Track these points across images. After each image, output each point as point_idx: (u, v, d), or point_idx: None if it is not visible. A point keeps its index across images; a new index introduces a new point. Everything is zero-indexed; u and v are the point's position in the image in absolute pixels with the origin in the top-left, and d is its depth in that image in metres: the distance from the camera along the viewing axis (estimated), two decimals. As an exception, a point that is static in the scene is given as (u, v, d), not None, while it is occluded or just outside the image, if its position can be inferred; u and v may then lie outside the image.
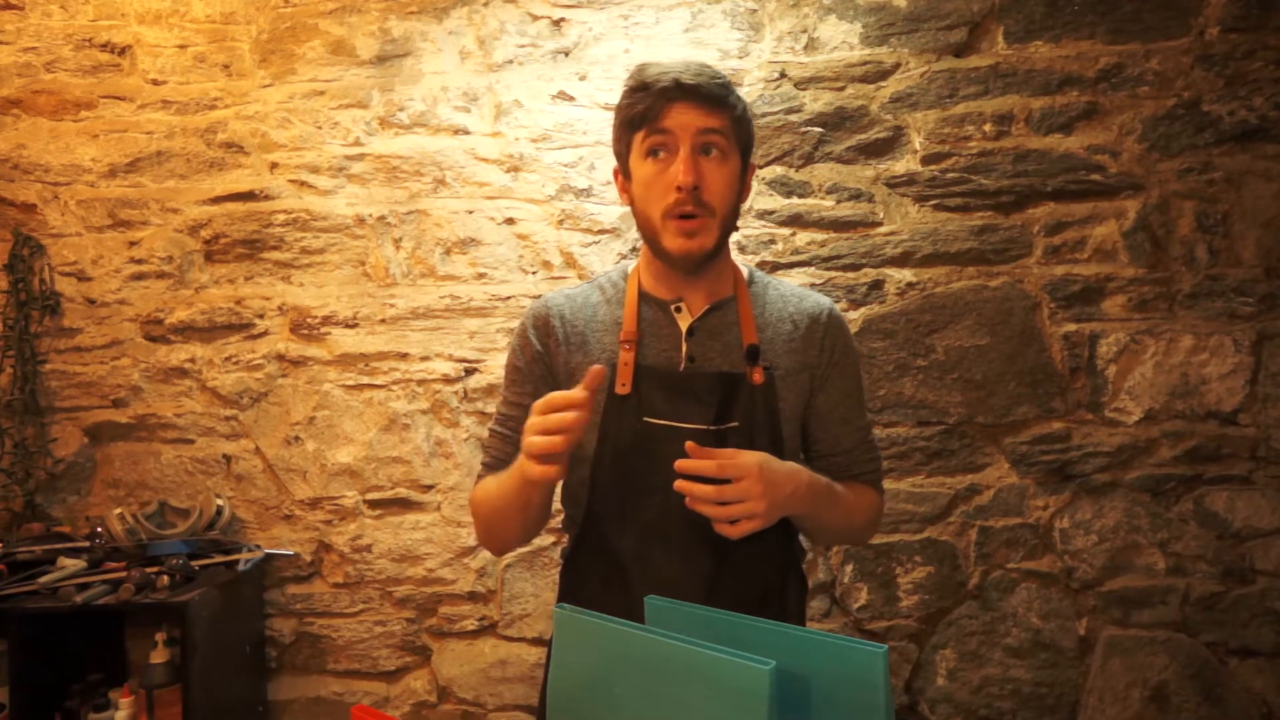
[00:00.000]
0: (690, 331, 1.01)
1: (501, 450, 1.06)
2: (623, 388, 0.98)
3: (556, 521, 1.75)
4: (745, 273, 1.08)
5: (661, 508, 0.96)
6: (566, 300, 1.07)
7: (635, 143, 0.97)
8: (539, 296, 1.13)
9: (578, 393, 0.84)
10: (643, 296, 1.04)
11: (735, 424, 0.97)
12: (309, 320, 1.87)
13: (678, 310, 1.02)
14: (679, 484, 0.86)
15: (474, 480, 1.82)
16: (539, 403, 0.85)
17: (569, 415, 0.83)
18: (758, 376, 0.98)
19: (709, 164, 0.95)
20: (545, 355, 1.04)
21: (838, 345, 1.06)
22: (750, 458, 0.87)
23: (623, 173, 1.03)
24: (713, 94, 0.93)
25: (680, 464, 0.86)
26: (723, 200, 0.96)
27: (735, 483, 0.85)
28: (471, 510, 1.08)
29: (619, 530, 0.98)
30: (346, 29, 1.87)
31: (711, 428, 0.96)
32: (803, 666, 0.66)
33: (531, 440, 0.84)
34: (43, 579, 1.58)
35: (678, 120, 0.93)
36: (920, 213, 1.81)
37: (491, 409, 1.84)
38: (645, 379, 0.98)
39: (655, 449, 0.97)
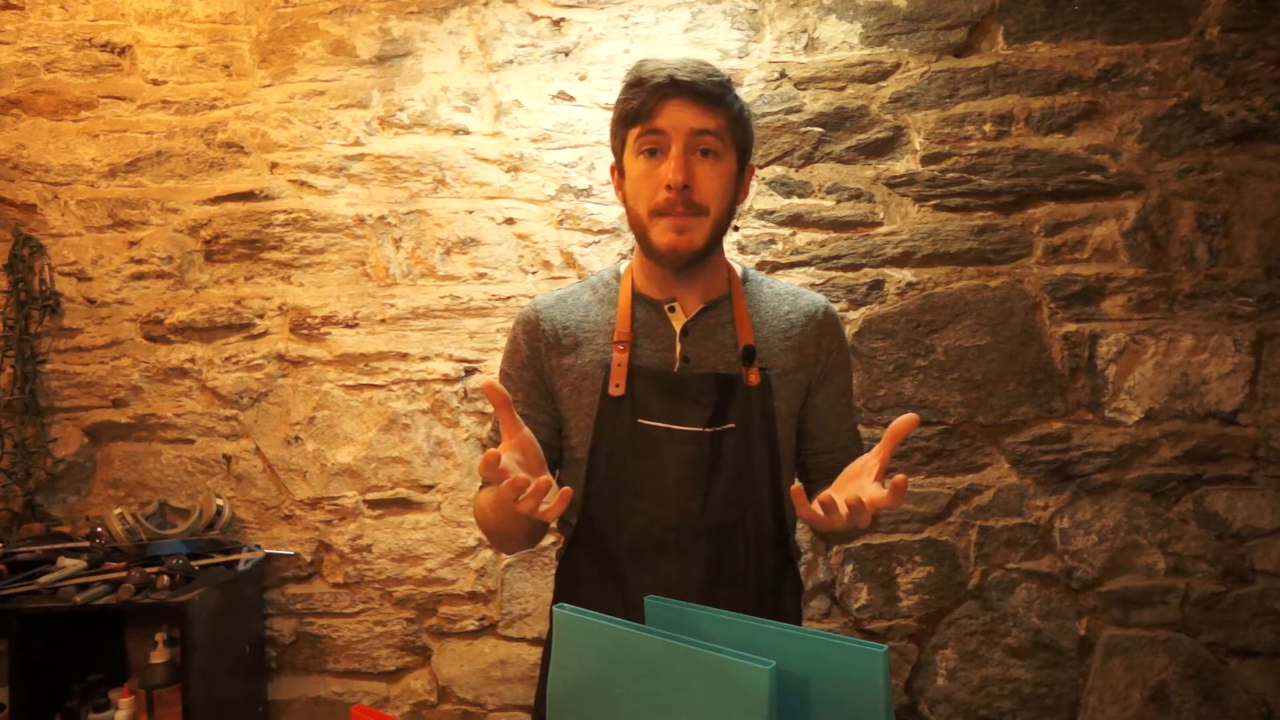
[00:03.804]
0: (684, 331, 1.00)
1: None
2: (617, 389, 0.97)
3: (557, 520, 1.75)
4: (739, 271, 1.07)
5: (657, 510, 0.96)
6: (557, 302, 1.06)
7: (629, 139, 0.96)
8: (535, 297, 1.13)
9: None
10: (636, 296, 1.03)
11: (731, 425, 0.97)
12: (309, 320, 1.87)
13: (671, 310, 1.01)
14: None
15: (474, 480, 1.84)
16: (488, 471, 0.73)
17: (513, 481, 0.71)
18: (753, 377, 0.97)
19: (702, 164, 0.93)
20: (535, 360, 1.04)
21: (834, 344, 1.05)
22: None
23: (618, 169, 1.02)
24: (708, 92, 0.92)
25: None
26: (715, 200, 0.95)
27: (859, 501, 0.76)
28: (476, 520, 1.07)
29: (613, 532, 0.98)
30: (346, 29, 1.87)
31: (707, 430, 0.96)
32: (803, 666, 0.66)
33: (522, 503, 0.74)
34: (43, 579, 1.58)
35: (671, 119, 0.92)
36: (920, 213, 1.81)
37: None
38: (639, 380, 0.97)
39: (650, 451, 0.96)
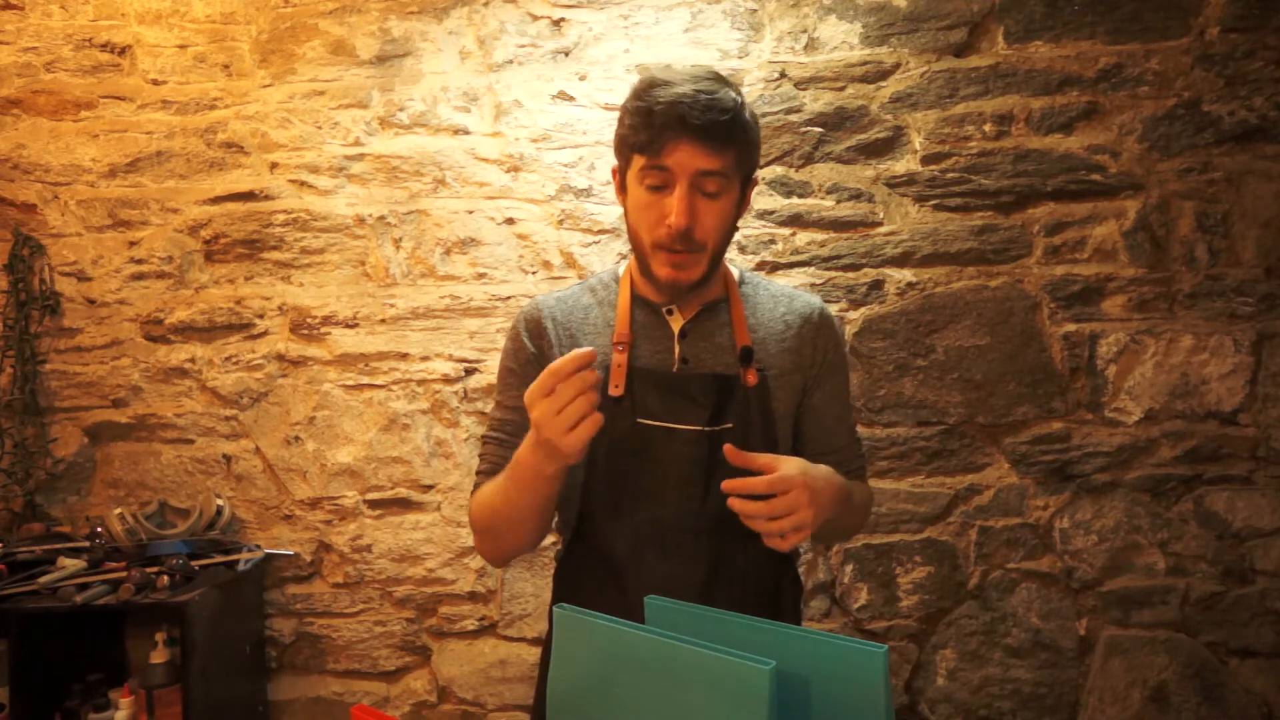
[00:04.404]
0: (683, 333, 1.01)
1: (499, 456, 1.03)
2: (616, 389, 0.97)
3: (555, 521, 1.75)
4: (736, 274, 1.08)
5: (656, 509, 0.96)
6: (558, 302, 1.06)
7: (633, 163, 0.95)
8: (532, 297, 1.13)
9: (575, 356, 0.79)
10: (635, 299, 1.03)
11: (729, 425, 0.97)
12: (309, 320, 1.87)
13: (669, 312, 1.02)
14: (733, 503, 0.83)
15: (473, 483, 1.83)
16: (541, 384, 0.79)
17: (588, 376, 0.79)
18: (751, 378, 0.98)
19: (704, 202, 0.93)
20: (539, 358, 1.03)
21: (830, 344, 1.06)
22: (791, 467, 0.85)
23: (620, 182, 1.02)
24: (718, 134, 0.90)
25: (729, 484, 0.83)
26: (715, 236, 0.95)
27: (783, 495, 0.82)
28: (472, 522, 1.03)
29: (613, 533, 0.98)
30: (346, 29, 1.87)
31: (706, 429, 0.96)
32: (803, 666, 0.66)
33: (560, 415, 0.79)
34: (43, 579, 1.58)
35: (678, 159, 0.90)
36: (920, 213, 1.81)
37: (490, 409, 1.84)
38: (639, 381, 0.98)
39: (649, 451, 0.97)
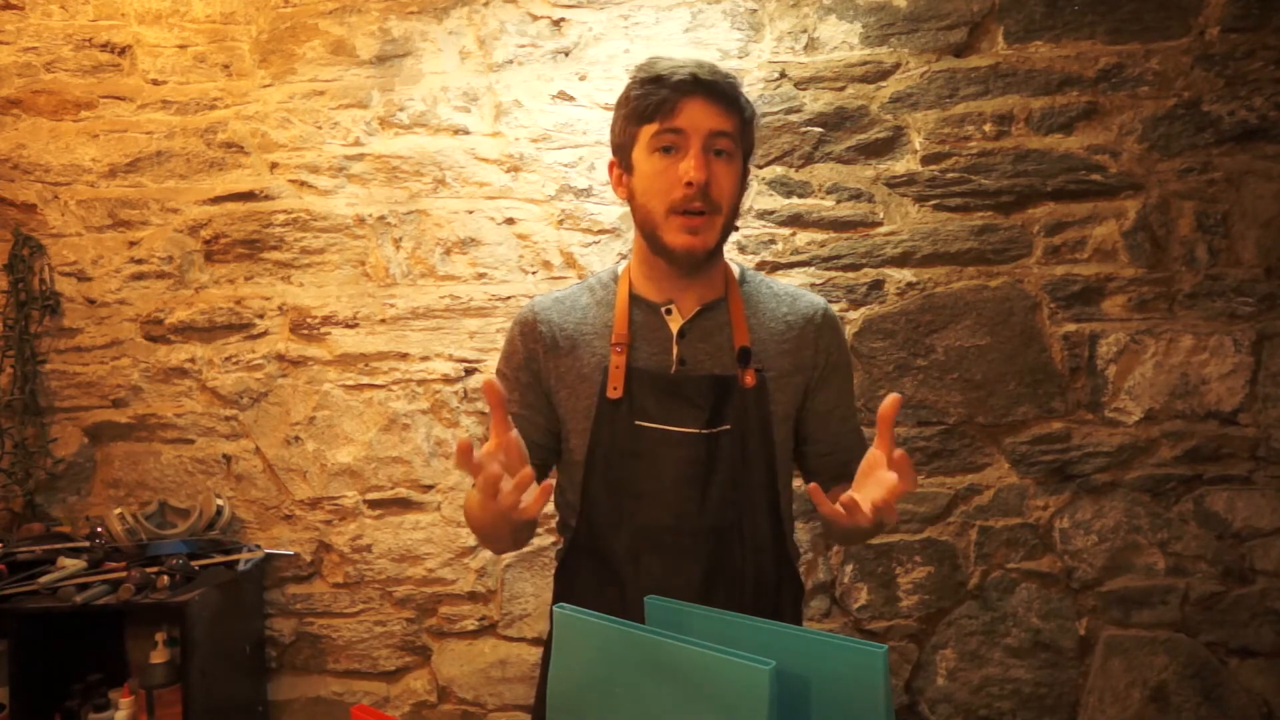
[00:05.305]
0: (681, 334, 1.01)
1: None
2: (614, 391, 0.97)
3: (556, 522, 1.75)
4: (737, 272, 1.07)
5: (654, 512, 0.96)
6: (555, 304, 1.06)
7: (642, 135, 0.96)
8: (531, 298, 1.12)
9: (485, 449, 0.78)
10: (633, 299, 1.03)
11: (727, 427, 0.97)
12: (309, 320, 1.87)
13: (668, 312, 1.02)
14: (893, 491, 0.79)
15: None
16: (471, 468, 0.76)
17: (490, 473, 0.76)
18: (749, 379, 0.98)
19: (717, 163, 0.95)
20: (532, 361, 1.04)
21: (833, 345, 1.06)
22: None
23: (623, 166, 1.02)
24: (727, 94, 0.94)
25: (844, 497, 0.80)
26: (728, 199, 0.96)
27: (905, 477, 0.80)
28: (465, 518, 1.07)
29: (612, 534, 0.98)
30: (346, 29, 1.87)
31: (704, 431, 0.96)
32: (803, 666, 0.66)
33: (497, 499, 0.78)
34: (43, 579, 1.58)
35: (691, 118, 0.93)
36: (920, 213, 1.81)
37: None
38: (637, 382, 0.98)
39: (647, 453, 0.96)
